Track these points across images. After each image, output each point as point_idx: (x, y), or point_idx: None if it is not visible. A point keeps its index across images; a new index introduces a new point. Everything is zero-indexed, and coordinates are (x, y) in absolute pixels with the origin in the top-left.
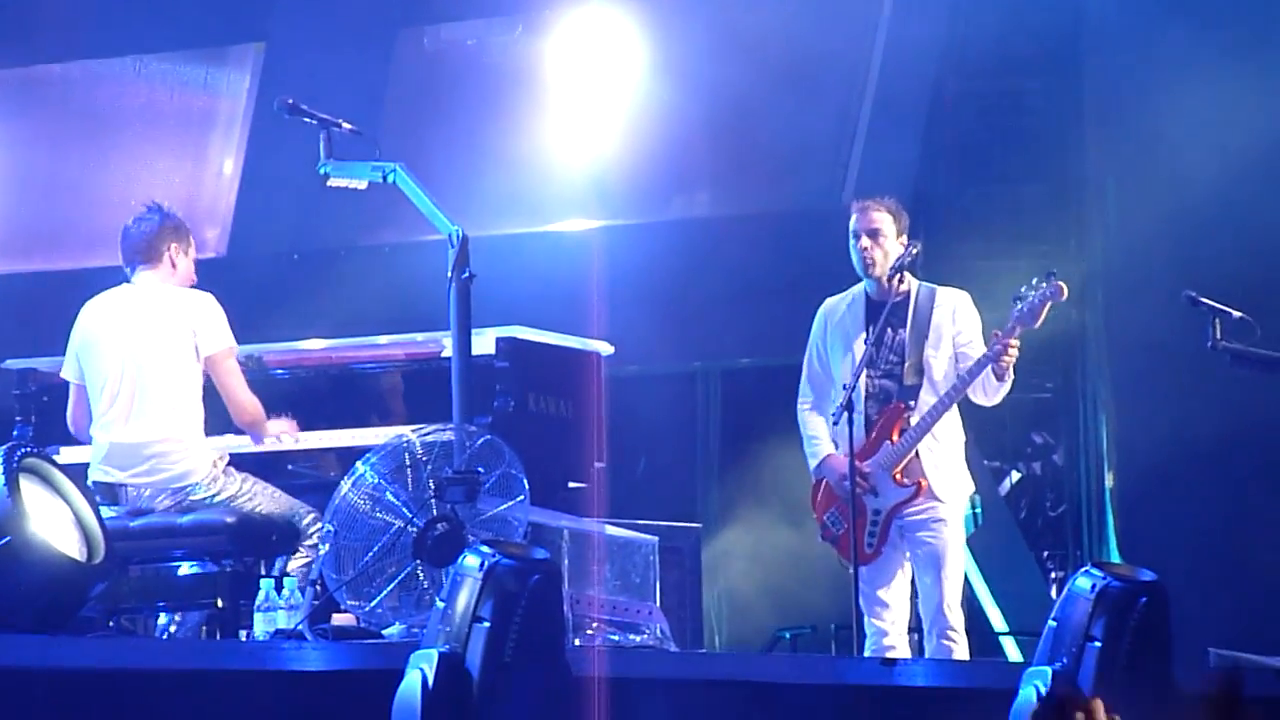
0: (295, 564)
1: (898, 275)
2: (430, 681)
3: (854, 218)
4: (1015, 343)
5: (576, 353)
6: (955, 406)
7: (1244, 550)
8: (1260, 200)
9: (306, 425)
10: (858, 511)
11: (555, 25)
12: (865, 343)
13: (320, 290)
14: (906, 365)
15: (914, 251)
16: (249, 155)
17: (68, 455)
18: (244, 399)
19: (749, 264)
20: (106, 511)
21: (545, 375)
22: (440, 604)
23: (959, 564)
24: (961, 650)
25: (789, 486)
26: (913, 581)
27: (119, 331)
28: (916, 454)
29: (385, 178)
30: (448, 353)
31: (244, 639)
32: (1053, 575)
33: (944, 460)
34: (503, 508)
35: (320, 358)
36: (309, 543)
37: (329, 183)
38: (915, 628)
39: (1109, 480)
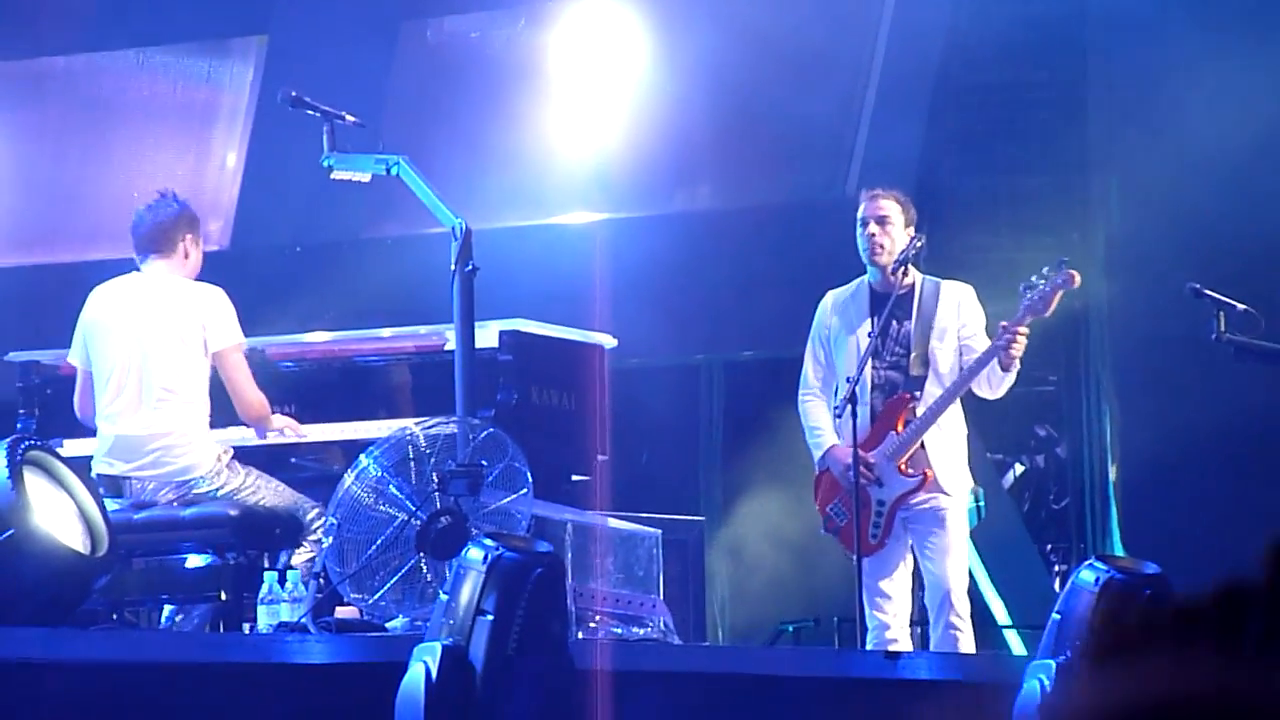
0: (299, 558)
1: (902, 267)
2: (434, 674)
3: (862, 206)
4: (1024, 332)
5: (579, 345)
6: (958, 399)
7: (1248, 543)
8: (1266, 192)
9: (310, 418)
10: (862, 503)
11: (558, 18)
12: (869, 334)
13: (323, 283)
14: (912, 357)
15: (918, 244)
16: (252, 148)
17: (71, 448)
18: (251, 396)
19: (752, 256)
20: (110, 504)
21: (548, 368)
22: (443, 597)
23: (964, 554)
24: (967, 640)
25: (792, 479)
26: (915, 574)
27: (127, 321)
28: (922, 445)
29: (388, 170)
30: (451, 346)
31: (247, 632)
32: (1056, 568)
33: (948, 451)
34: (506, 501)
35: (323, 350)
36: (312, 537)
37: (332, 175)
38: (918, 620)
39: (1113, 473)
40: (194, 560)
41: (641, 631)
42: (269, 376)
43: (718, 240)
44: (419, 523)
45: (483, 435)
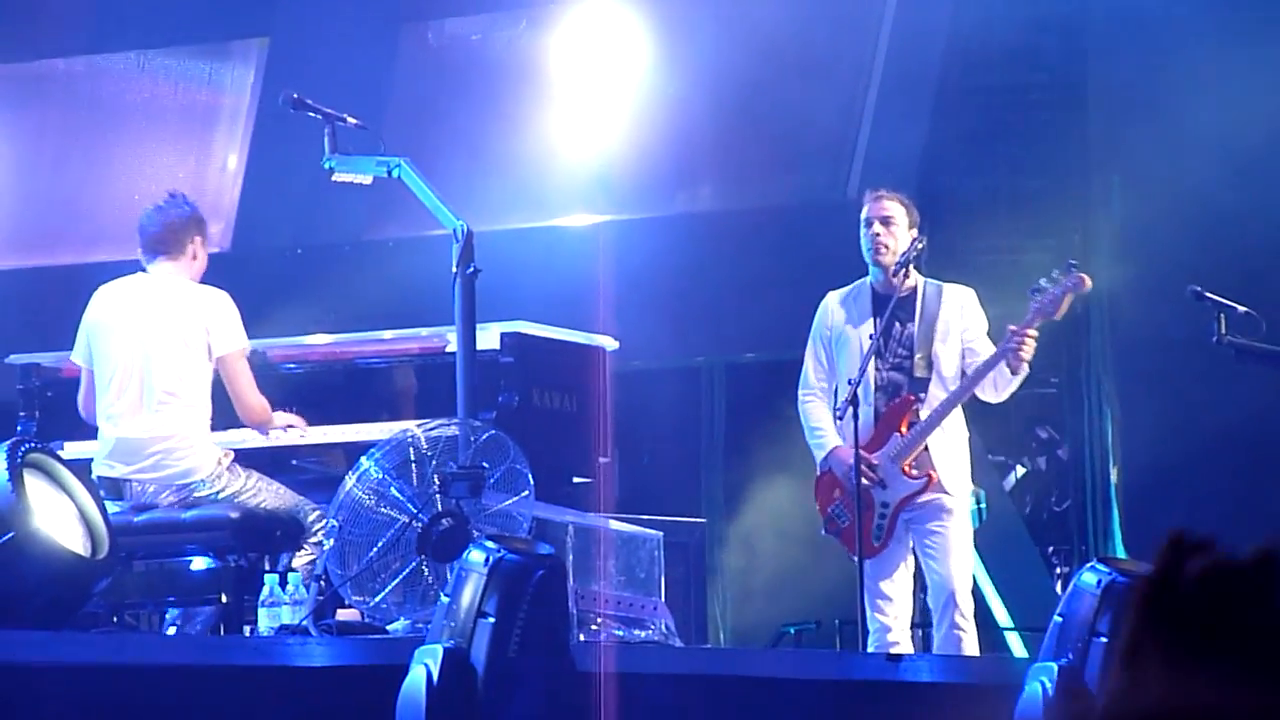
0: (300, 560)
1: (904, 269)
2: (435, 677)
3: (866, 206)
4: (1033, 335)
5: (581, 347)
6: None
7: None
8: (1267, 195)
9: (311, 420)
10: (864, 504)
11: (559, 20)
12: (871, 335)
13: (324, 285)
14: (916, 359)
15: (920, 245)
16: (253, 150)
17: (72, 450)
18: (253, 401)
19: (754, 258)
20: (111, 506)
21: (550, 370)
22: (445, 599)
23: (968, 554)
24: (971, 641)
25: (794, 481)
26: (917, 576)
27: (131, 323)
28: (925, 446)
29: (390, 173)
30: (452, 348)
31: (248, 634)
32: (1058, 571)
33: (952, 452)
34: (507, 503)
35: (325, 353)
36: (314, 540)
37: (334, 178)
38: (919, 623)
39: (1114, 475)
40: (195, 563)
41: (643, 634)
42: (270, 379)
43: (719, 242)
44: (420, 525)
45: (484, 437)
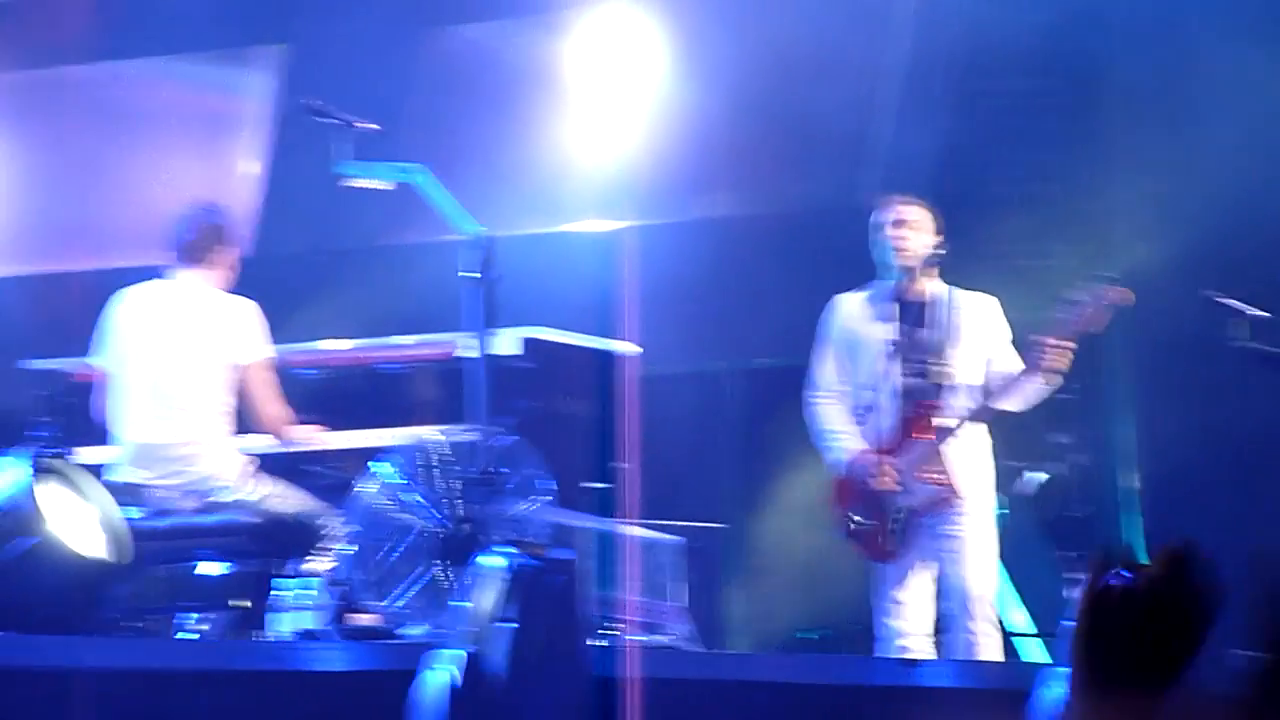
0: (319, 566)
1: (920, 273)
2: (453, 682)
3: (886, 210)
4: (1070, 346)
5: (599, 353)
6: (972, 402)
7: (1270, 550)
8: None
9: (329, 425)
10: (882, 510)
11: (576, 25)
12: (888, 340)
13: (343, 290)
14: (938, 366)
15: (940, 251)
16: (272, 156)
17: (90, 455)
18: (274, 411)
19: (772, 263)
20: (130, 512)
21: (568, 376)
22: (463, 604)
23: (988, 560)
24: (991, 645)
25: (812, 487)
26: (935, 581)
27: (153, 329)
28: (949, 455)
29: (408, 178)
30: (471, 353)
31: (266, 639)
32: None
33: (972, 459)
34: (526, 508)
35: (344, 358)
36: (333, 546)
37: (352, 183)
38: (937, 630)
39: (1133, 481)
40: (214, 568)
41: (663, 638)
42: (288, 384)
43: (738, 247)
44: (439, 530)
45: (503, 443)
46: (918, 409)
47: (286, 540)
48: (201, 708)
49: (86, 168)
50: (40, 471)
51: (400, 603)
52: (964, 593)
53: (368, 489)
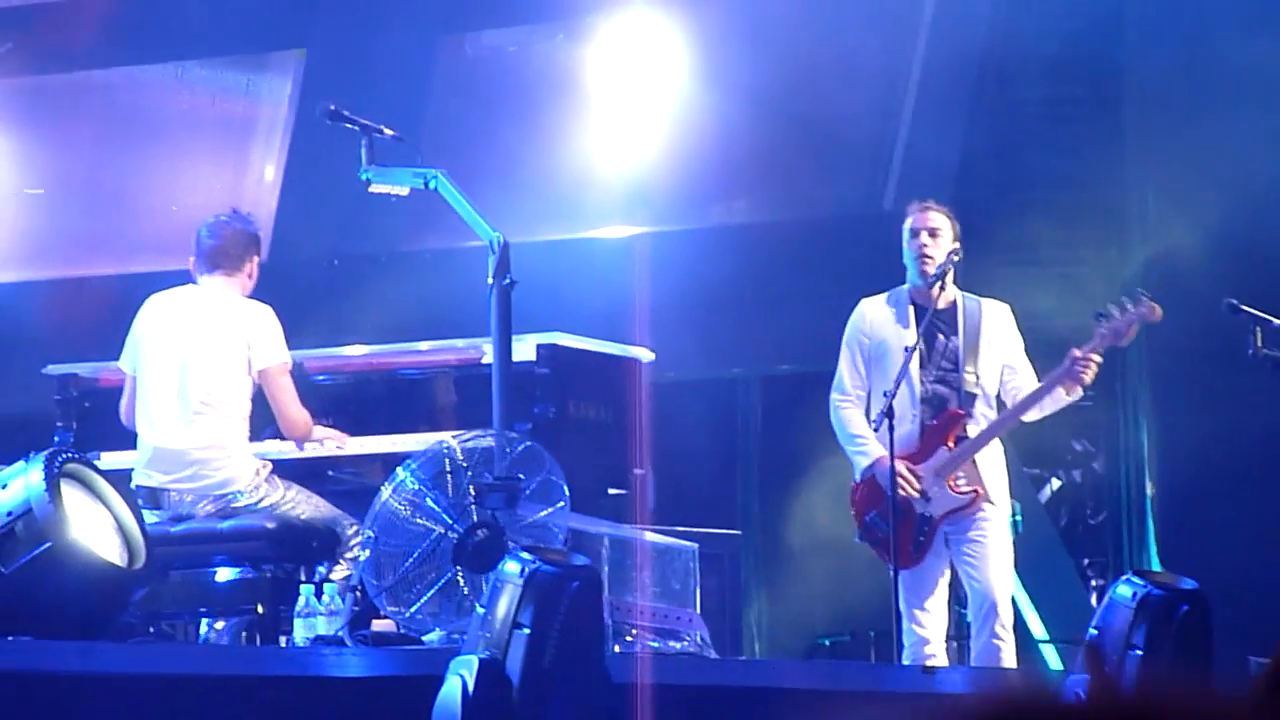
0: (336, 575)
1: (940, 280)
2: (470, 688)
3: (912, 217)
4: (1098, 360)
5: (617, 359)
6: (995, 411)
7: None
8: None
9: (347, 431)
10: (905, 516)
11: (596, 31)
12: (908, 347)
13: (361, 296)
14: (965, 374)
15: (956, 258)
16: (290, 161)
17: (109, 460)
18: (294, 414)
19: (790, 270)
20: (148, 516)
21: (586, 382)
22: (480, 610)
23: (1009, 565)
24: (1010, 652)
25: (828, 493)
26: (952, 587)
27: (173, 333)
28: (973, 461)
29: (426, 184)
30: (488, 359)
31: (284, 645)
32: (1093, 583)
33: (993, 464)
34: (543, 514)
35: (361, 364)
36: (350, 554)
37: (370, 189)
38: (955, 635)
39: (1150, 488)
40: (231, 573)
41: (678, 645)
42: (307, 389)
43: (755, 253)
44: (456, 536)
45: (520, 448)
46: (942, 416)
47: (303, 546)
48: (219, 713)
49: (105, 173)
50: (60, 476)
51: (417, 608)
52: (986, 599)
53: (384, 494)
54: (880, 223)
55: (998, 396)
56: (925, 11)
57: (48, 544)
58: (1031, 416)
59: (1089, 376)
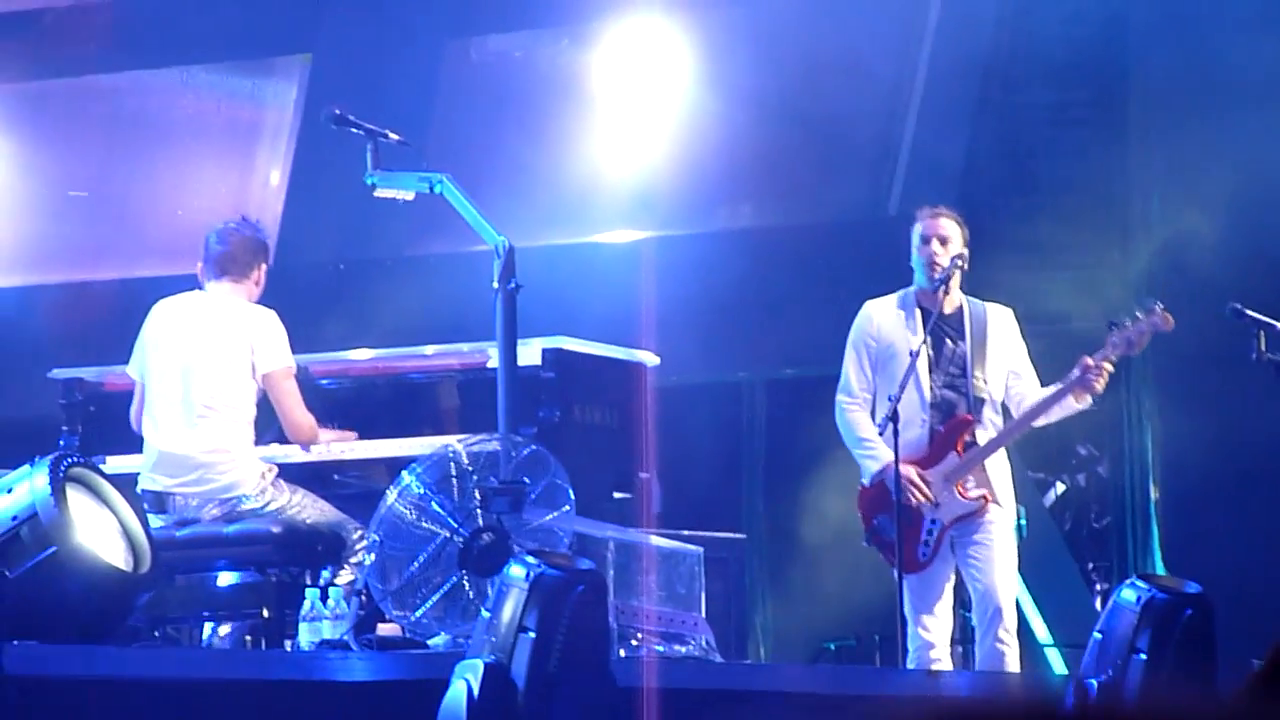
0: (341, 579)
1: (944, 284)
2: (475, 692)
3: (922, 224)
4: (1109, 368)
5: (622, 363)
6: (1001, 416)
7: None
8: None
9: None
10: (913, 521)
11: (602, 36)
12: (913, 351)
13: (366, 300)
14: (970, 379)
15: (960, 263)
16: (296, 166)
17: (114, 464)
18: (299, 418)
19: (795, 274)
20: (153, 520)
21: (591, 386)
22: (485, 614)
23: (1013, 569)
24: (1013, 656)
25: (834, 497)
26: (957, 591)
27: (177, 338)
28: (982, 466)
29: (432, 188)
30: (494, 363)
31: (289, 649)
32: (1097, 587)
33: (999, 469)
34: (548, 518)
35: (367, 368)
36: (355, 559)
37: (376, 193)
38: (959, 640)
39: (1154, 492)
40: (236, 577)
41: (683, 649)
42: (312, 393)
43: (761, 258)
44: (461, 540)
45: (525, 453)
46: (951, 421)
47: (309, 550)
48: (224, 717)
49: (111, 177)
50: (65, 480)
51: (422, 612)
52: (990, 603)
53: (390, 498)
54: (885, 227)
55: (1002, 402)
56: (930, 16)
57: (53, 548)
58: (1039, 422)
59: (1100, 385)
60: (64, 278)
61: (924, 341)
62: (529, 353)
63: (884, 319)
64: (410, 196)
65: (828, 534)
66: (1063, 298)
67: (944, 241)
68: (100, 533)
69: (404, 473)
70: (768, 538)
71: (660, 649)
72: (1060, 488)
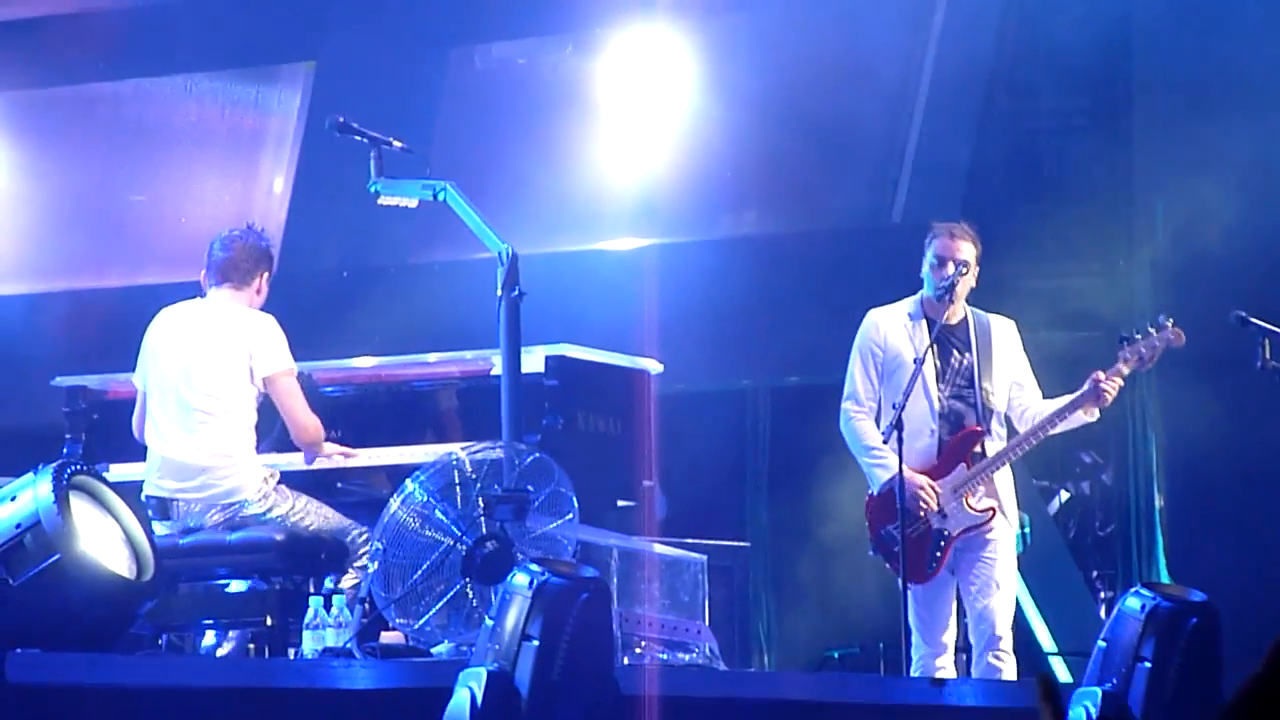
0: (345, 583)
1: (949, 294)
2: (479, 700)
3: (938, 242)
4: (1120, 382)
5: (626, 371)
6: (1005, 428)
7: None
8: None
9: (356, 443)
10: (921, 531)
11: (606, 44)
12: (916, 360)
13: (370, 308)
14: (977, 390)
15: (964, 271)
16: (299, 173)
17: (118, 472)
18: (304, 420)
19: (799, 282)
20: (158, 528)
21: (595, 393)
22: (489, 622)
23: (1012, 588)
24: (1010, 669)
25: (837, 505)
26: (958, 600)
27: (176, 345)
28: (990, 478)
29: (436, 196)
30: (497, 371)
31: (293, 657)
32: (1102, 595)
33: (1005, 480)
34: (552, 526)
35: (370, 375)
36: (359, 563)
37: (380, 201)
38: (962, 648)
39: (1158, 500)
40: (239, 585)
41: (687, 657)
42: (315, 401)
43: (764, 265)
44: (465, 548)
45: (529, 460)
46: (960, 432)
47: (312, 558)
48: None
49: (115, 185)
50: (69, 488)
51: (426, 620)
52: (988, 621)
53: (393, 506)
54: (890, 234)
55: (1005, 413)
56: (934, 22)
57: (56, 556)
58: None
59: (1110, 398)
60: (68, 286)
61: (930, 349)
62: (532, 360)
63: (889, 327)
64: (414, 204)
65: (831, 542)
66: (1068, 304)
67: (962, 266)
68: (103, 541)
69: (407, 481)
70: (771, 545)
71: (664, 657)
72: (1064, 495)
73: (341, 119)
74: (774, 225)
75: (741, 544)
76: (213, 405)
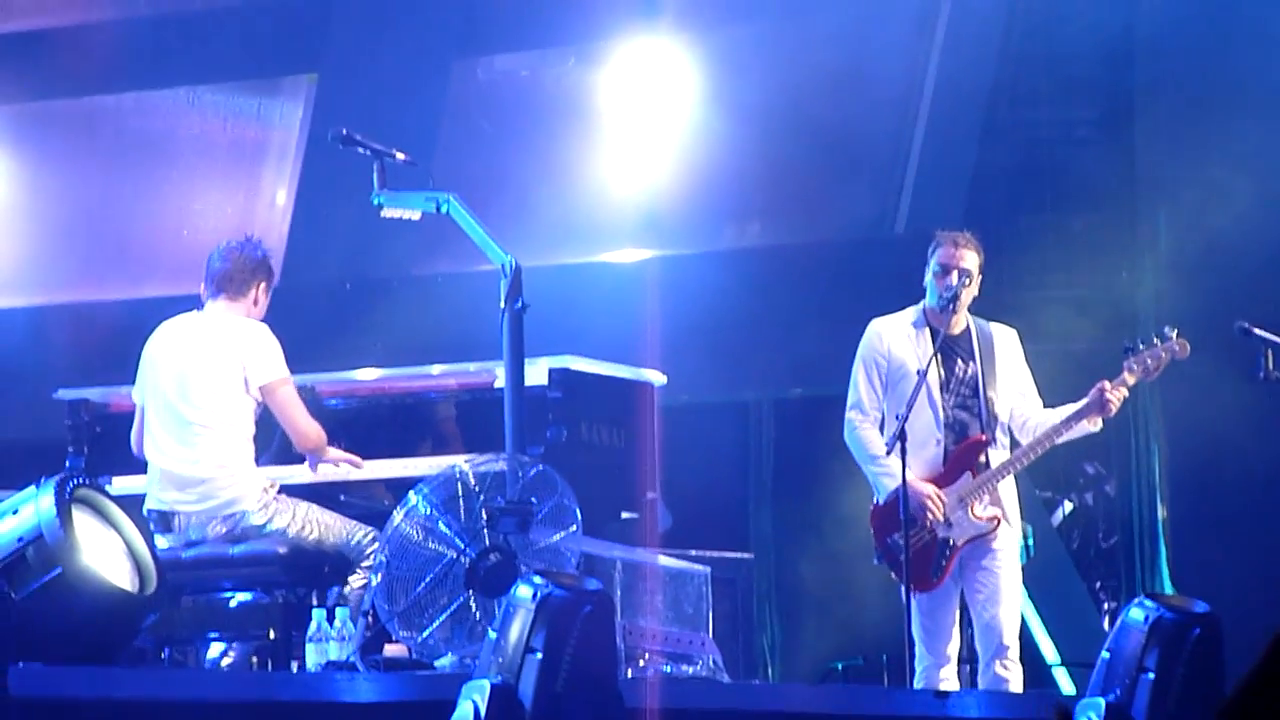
0: (354, 582)
1: (953, 304)
2: (482, 712)
3: (942, 250)
4: (1125, 393)
5: (629, 383)
6: (1008, 437)
7: None
8: None
9: (359, 455)
10: (927, 540)
11: (608, 56)
12: (919, 370)
13: (373, 320)
14: (981, 399)
15: (967, 281)
16: (302, 185)
17: (120, 485)
18: (304, 426)
19: (802, 293)
20: (160, 541)
21: (598, 405)
22: (492, 635)
23: (1018, 598)
24: (1017, 679)
25: (841, 517)
26: (963, 611)
27: (174, 358)
28: (994, 487)
29: (439, 208)
30: (500, 383)
31: (296, 670)
32: (1105, 606)
33: (1009, 490)
34: (555, 538)
35: (373, 387)
36: (366, 564)
37: (383, 213)
38: (966, 659)
39: (1161, 511)
40: (243, 598)
41: (690, 669)
42: (318, 413)
43: (767, 277)
44: (468, 560)
45: (532, 472)
46: (964, 442)
47: (315, 570)
48: None
49: (117, 197)
50: (71, 501)
51: (429, 633)
52: (994, 630)
53: (396, 519)
54: (892, 245)
55: (1007, 422)
56: (937, 33)
57: (58, 570)
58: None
59: (1115, 409)
60: (70, 298)
61: (934, 358)
62: (536, 372)
63: (893, 337)
64: (417, 216)
65: (835, 554)
66: (1071, 315)
67: (964, 275)
68: (106, 554)
69: (411, 493)
70: (775, 557)
71: (667, 669)
72: (1068, 506)
73: (344, 131)
74: (777, 236)
75: (745, 556)
76: (208, 417)
